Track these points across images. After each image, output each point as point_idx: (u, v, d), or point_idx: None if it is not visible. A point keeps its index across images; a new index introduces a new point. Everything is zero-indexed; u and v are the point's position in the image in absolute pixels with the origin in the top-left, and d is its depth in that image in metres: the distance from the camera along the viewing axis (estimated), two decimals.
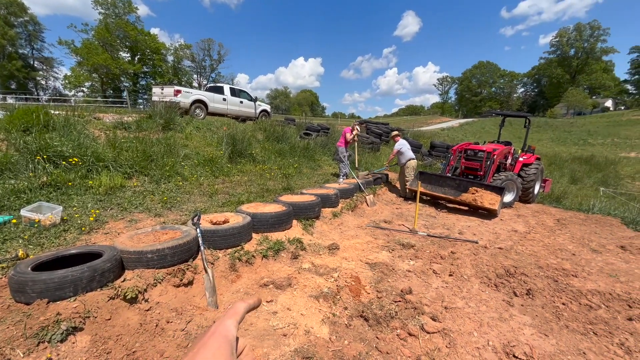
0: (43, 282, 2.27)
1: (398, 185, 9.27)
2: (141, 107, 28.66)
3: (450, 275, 3.83)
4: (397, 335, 2.70)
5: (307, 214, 5.03)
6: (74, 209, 3.90)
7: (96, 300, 2.40)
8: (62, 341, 2.06)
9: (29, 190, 4.02)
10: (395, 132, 8.48)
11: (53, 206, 3.54)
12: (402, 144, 8.02)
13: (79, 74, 40.28)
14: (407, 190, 8.07)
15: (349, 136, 8.01)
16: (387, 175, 9.53)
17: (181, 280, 3.00)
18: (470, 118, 55.37)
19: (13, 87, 37.84)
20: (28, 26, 42.18)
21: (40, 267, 2.55)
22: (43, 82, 45.46)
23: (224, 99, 13.78)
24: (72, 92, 41.25)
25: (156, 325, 2.50)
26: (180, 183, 5.60)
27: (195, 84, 52.81)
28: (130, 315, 2.48)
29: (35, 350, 1.94)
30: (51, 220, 3.40)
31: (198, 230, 3.45)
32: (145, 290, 2.72)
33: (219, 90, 14.21)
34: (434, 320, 2.87)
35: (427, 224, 6.15)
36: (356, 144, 8.58)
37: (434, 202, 8.01)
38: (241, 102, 14.70)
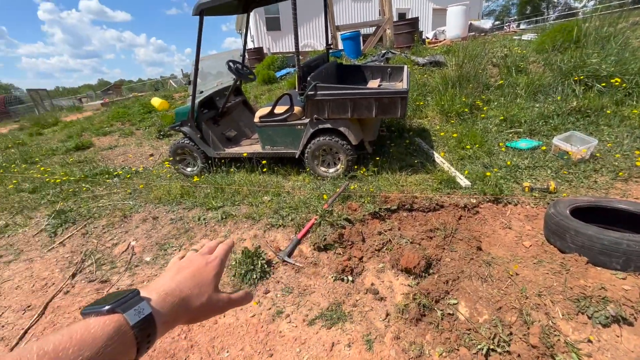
0: (589, 237, 1.85)
1: None
2: None
3: None
4: None
5: None
6: (608, 144, 3.13)
7: None
8: (605, 326, 1.59)
9: (556, 115, 3.76)
10: None
11: (587, 138, 3.00)
12: None
13: None
14: None
15: None
16: None
17: None
18: None
19: (527, 12, 40.75)
20: None
21: (576, 212, 2.17)
22: (555, 0, 44.67)
23: None
24: (582, 4, 37.08)
25: None
26: None
27: None
28: None
29: (574, 319, 1.63)
30: (581, 155, 2.91)
31: None
32: None
33: None
34: None
35: None
36: None
37: None
38: None
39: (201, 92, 3.68)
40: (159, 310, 0.40)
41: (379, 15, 9.17)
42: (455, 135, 3.69)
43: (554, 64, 4.50)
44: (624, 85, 3.74)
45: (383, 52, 7.13)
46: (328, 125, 3.05)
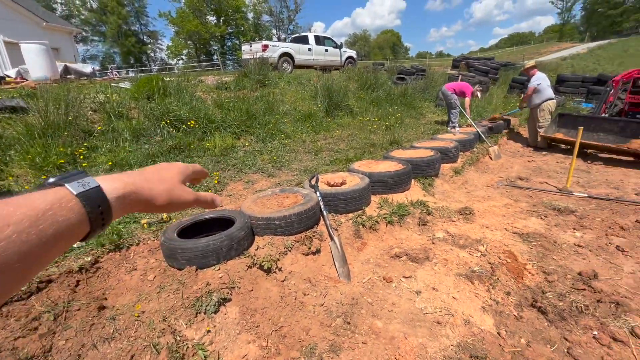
0: (190, 250, 2.26)
1: (523, 132, 7.63)
2: (230, 67, 30.18)
3: None
4: (594, 338, 2.02)
5: (426, 171, 4.34)
6: None
7: (237, 269, 2.33)
8: (215, 312, 2.02)
9: (160, 154, 4.31)
10: (532, 64, 6.59)
11: None
12: (540, 79, 6.25)
13: (177, 43, 44.27)
14: (540, 139, 6.50)
15: (467, 99, 6.90)
16: (507, 121, 7.88)
17: (309, 248, 2.79)
18: (604, 40, 41.82)
19: (132, 62, 43.95)
20: (135, 3, 47.07)
21: (183, 231, 2.60)
22: (152, 55, 51.57)
23: (309, 49, 13.15)
24: (174, 61, 45.95)
25: (295, 299, 2.34)
26: (286, 141, 5.45)
27: (274, 39, 52.85)
28: (269, 286, 2.36)
29: (195, 322, 1.93)
30: None
31: (318, 193, 3.16)
32: (278, 259, 2.58)
33: (304, 40, 13.57)
34: None
35: (581, 181, 4.81)
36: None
37: (581, 152, 6.30)
38: (326, 50, 13.86)
39: None
40: (110, 185, 0.40)
41: None
42: None
43: (148, 111, 5.11)
44: (198, 126, 5.01)
45: None
46: None
